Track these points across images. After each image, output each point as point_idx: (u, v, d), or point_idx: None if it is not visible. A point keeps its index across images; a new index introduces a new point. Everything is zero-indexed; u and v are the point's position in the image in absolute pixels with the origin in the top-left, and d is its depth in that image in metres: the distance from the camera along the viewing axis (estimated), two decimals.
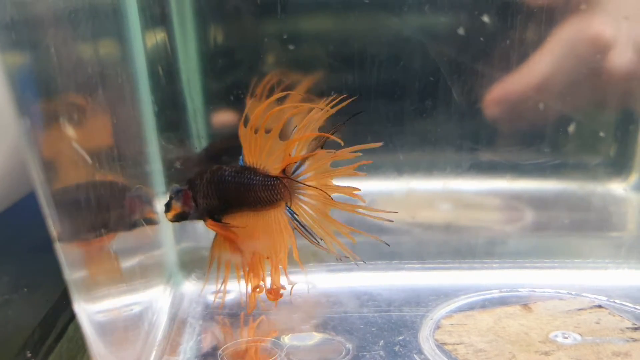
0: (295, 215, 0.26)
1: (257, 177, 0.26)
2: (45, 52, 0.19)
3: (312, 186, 0.26)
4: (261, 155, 0.26)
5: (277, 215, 0.26)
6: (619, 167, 0.45)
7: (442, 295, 0.28)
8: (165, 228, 0.29)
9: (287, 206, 0.26)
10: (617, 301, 0.26)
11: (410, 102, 0.45)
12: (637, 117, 0.43)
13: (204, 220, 0.27)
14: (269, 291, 0.26)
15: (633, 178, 0.44)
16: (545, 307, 0.27)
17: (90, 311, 0.19)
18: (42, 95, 0.19)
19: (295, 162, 0.26)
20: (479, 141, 0.44)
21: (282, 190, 0.26)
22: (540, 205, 0.42)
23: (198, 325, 0.26)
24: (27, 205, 0.39)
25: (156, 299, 0.26)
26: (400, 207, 0.40)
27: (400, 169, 0.43)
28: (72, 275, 0.18)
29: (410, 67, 0.43)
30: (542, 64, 0.39)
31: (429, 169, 0.44)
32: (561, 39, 0.38)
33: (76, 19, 0.21)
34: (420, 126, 0.44)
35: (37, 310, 0.27)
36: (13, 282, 0.31)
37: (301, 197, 0.27)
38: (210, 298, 0.28)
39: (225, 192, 0.26)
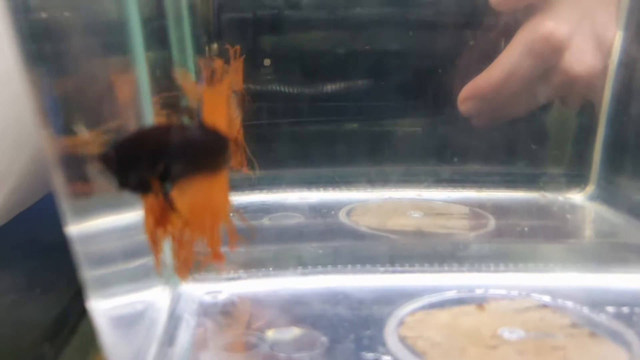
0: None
1: (222, 139, 0.24)
2: (66, 64, 0.21)
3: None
4: (216, 117, 0.24)
5: (221, 179, 0.25)
6: (577, 177, 0.49)
7: (408, 295, 0.32)
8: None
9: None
10: (560, 301, 0.30)
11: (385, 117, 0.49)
12: (594, 127, 0.48)
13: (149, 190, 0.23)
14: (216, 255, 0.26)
15: (590, 188, 0.49)
16: (497, 306, 0.31)
17: (103, 307, 0.22)
18: (62, 105, 0.20)
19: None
20: (447, 155, 0.48)
21: (229, 154, 0.25)
22: (503, 213, 0.46)
23: (193, 320, 0.30)
24: (42, 208, 0.42)
25: (156, 298, 0.30)
26: (375, 214, 0.45)
27: (374, 181, 0.47)
28: (88, 274, 0.21)
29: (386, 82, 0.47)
30: (505, 62, 0.42)
31: (403, 180, 0.48)
32: (522, 38, 0.42)
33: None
34: (398, 142, 0.49)
35: (51, 308, 0.31)
36: (28, 283, 0.35)
37: None
38: (205, 297, 0.32)
39: (195, 154, 0.24)
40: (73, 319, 0.30)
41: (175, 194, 0.24)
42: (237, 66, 0.26)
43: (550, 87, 0.44)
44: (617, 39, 0.44)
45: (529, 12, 0.42)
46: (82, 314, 0.30)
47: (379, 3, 0.45)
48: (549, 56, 0.43)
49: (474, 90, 0.43)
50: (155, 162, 0.22)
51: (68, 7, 0.21)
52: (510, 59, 0.42)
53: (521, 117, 0.47)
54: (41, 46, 0.19)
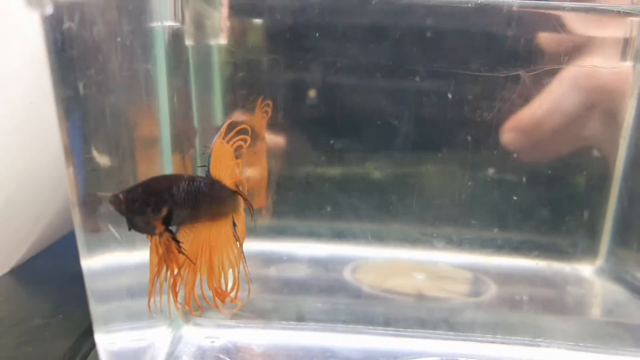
0: (234, 227, 0.28)
1: (225, 190, 0.27)
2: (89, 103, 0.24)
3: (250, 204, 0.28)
4: (224, 169, 0.27)
5: (227, 226, 0.28)
6: (586, 250, 0.49)
7: (392, 357, 0.33)
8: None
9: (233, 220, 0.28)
10: None
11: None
12: (606, 200, 0.48)
13: (160, 236, 0.25)
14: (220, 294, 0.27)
15: (599, 262, 0.48)
16: None
17: (106, 341, 0.25)
18: (86, 143, 0.24)
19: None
20: (454, 219, 0.49)
21: (237, 204, 0.28)
22: (505, 280, 0.46)
23: None
24: (72, 238, 0.47)
25: (158, 337, 0.33)
26: (379, 273, 0.46)
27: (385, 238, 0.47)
28: (95, 309, 0.24)
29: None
30: (548, 97, 0.43)
31: (409, 240, 0.48)
32: (567, 74, 0.42)
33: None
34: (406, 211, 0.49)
35: (69, 335, 0.34)
36: (52, 308, 0.38)
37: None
38: (204, 342, 0.35)
39: (199, 203, 0.26)
40: (86, 347, 0.34)
41: (182, 237, 0.26)
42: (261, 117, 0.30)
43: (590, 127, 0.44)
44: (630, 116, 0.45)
45: (574, 51, 0.43)
46: (93, 344, 0.33)
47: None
48: (592, 93, 0.43)
49: (517, 122, 0.43)
50: (159, 207, 0.25)
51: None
52: (555, 94, 0.43)
53: (560, 157, 0.47)
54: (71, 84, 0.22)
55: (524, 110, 0.43)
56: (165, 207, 0.25)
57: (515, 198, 0.47)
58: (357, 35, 0.39)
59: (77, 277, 0.25)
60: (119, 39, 0.24)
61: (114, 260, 0.28)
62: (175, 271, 0.26)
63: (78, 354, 0.33)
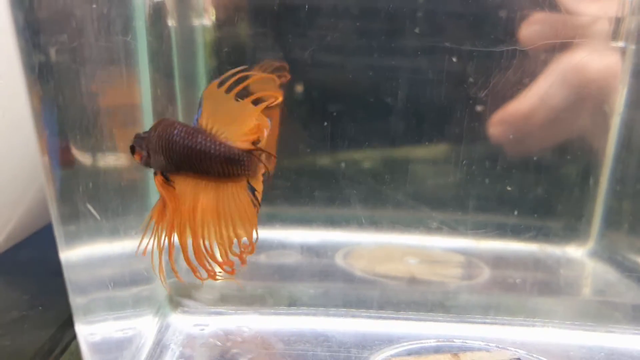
0: (255, 194, 0.24)
1: (220, 147, 0.23)
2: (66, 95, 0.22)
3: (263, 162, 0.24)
4: (224, 120, 0.23)
5: (238, 192, 0.24)
6: (578, 232, 0.49)
7: (388, 341, 0.32)
8: (157, 264, 0.35)
9: (249, 184, 0.24)
10: (535, 355, 0.31)
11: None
12: (597, 184, 0.48)
13: (154, 174, 0.24)
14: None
15: (590, 244, 0.48)
16: (472, 357, 0.31)
17: (86, 332, 0.24)
18: (61, 135, 0.22)
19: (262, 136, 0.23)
20: (450, 202, 0.48)
21: (249, 165, 0.23)
22: (499, 264, 0.46)
23: (178, 350, 0.31)
24: (50, 231, 0.45)
25: (145, 327, 0.31)
26: (371, 258, 0.45)
27: (377, 222, 0.47)
28: (75, 300, 0.23)
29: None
30: (536, 91, 0.43)
31: (402, 225, 0.48)
32: (555, 68, 0.42)
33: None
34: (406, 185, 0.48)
35: (48, 326, 0.33)
36: (31, 300, 0.37)
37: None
38: (192, 329, 0.33)
39: (172, 152, 0.23)
40: (67, 338, 0.32)
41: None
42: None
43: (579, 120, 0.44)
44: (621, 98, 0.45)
45: (564, 44, 0.43)
46: (74, 335, 0.32)
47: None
48: (580, 87, 0.43)
49: (505, 116, 0.43)
50: (133, 149, 0.25)
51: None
52: (542, 88, 0.42)
53: (548, 149, 0.46)
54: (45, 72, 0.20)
55: (511, 103, 0.43)
56: (139, 150, 0.24)
57: (508, 187, 0.47)
58: (347, 10, 0.38)
59: (58, 267, 0.23)
60: (94, 6, 0.23)
61: (95, 250, 0.27)
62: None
63: (58, 346, 0.32)
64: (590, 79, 0.43)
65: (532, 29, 0.40)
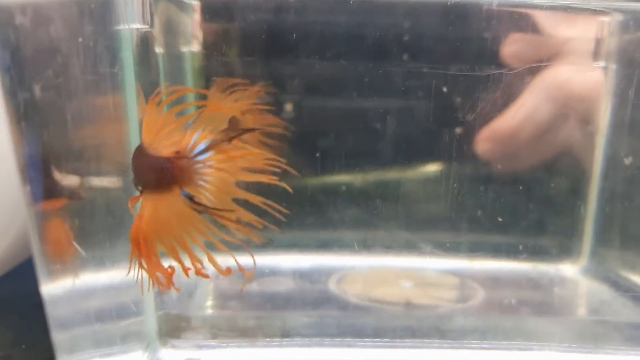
0: (194, 199, 0.24)
1: (145, 159, 0.23)
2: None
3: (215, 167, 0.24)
4: (159, 134, 0.23)
5: (172, 202, 0.24)
6: (569, 249, 0.49)
7: None
8: (147, 296, 0.34)
9: (183, 190, 0.24)
10: None
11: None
12: (586, 198, 0.48)
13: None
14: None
15: (582, 261, 0.48)
16: None
17: None
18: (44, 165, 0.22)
19: (192, 146, 0.24)
20: (442, 224, 0.48)
21: (173, 172, 0.23)
22: (493, 284, 0.46)
23: None
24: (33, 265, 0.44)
25: None
26: (365, 283, 0.45)
27: (370, 246, 0.46)
28: (58, 337, 0.22)
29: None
30: (522, 107, 0.42)
31: (395, 248, 0.48)
32: (540, 83, 0.42)
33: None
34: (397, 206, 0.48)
35: None
36: (14, 338, 0.36)
37: (201, 182, 0.24)
38: None
39: (133, 169, 0.24)
40: None
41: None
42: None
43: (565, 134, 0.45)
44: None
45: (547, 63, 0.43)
46: None
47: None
48: (565, 102, 0.44)
49: (491, 133, 0.43)
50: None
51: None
52: (528, 104, 0.42)
53: (536, 165, 0.46)
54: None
55: (497, 120, 0.43)
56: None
57: (499, 218, 0.47)
58: (335, 37, 0.38)
59: (39, 306, 0.23)
60: (80, 39, 0.22)
61: (80, 283, 0.26)
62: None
63: None
64: (574, 92, 0.43)
65: (513, 48, 0.41)
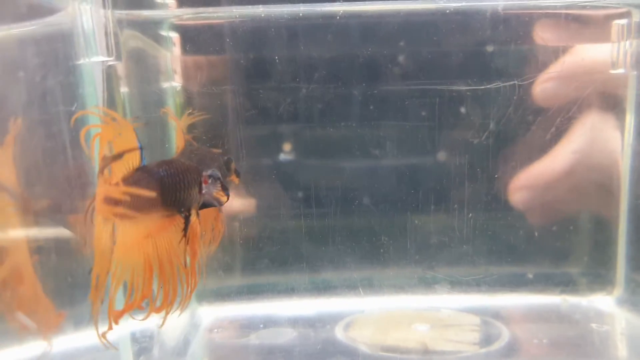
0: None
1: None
2: None
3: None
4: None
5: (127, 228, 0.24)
6: (601, 278, 0.44)
7: None
8: (125, 350, 0.30)
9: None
10: None
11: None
12: (616, 222, 0.44)
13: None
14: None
15: (617, 291, 0.44)
16: None
17: None
18: None
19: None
20: (458, 259, 0.44)
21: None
22: (518, 322, 0.41)
23: None
24: None
25: None
26: (375, 328, 0.40)
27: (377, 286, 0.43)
28: None
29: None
30: (570, 150, 0.38)
31: (407, 287, 0.44)
32: (583, 131, 0.38)
33: None
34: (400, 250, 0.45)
35: None
36: None
37: None
38: None
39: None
40: None
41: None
42: None
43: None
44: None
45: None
46: None
47: None
48: (593, 154, 0.39)
49: (531, 179, 0.38)
50: None
51: None
52: (577, 147, 0.38)
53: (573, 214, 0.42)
54: None
55: (538, 163, 0.39)
56: None
57: (520, 234, 0.42)
58: (322, 58, 0.36)
59: None
60: (21, 74, 0.19)
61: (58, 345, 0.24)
62: None
63: None
64: (599, 141, 0.39)
65: (546, 86, 0.37)
